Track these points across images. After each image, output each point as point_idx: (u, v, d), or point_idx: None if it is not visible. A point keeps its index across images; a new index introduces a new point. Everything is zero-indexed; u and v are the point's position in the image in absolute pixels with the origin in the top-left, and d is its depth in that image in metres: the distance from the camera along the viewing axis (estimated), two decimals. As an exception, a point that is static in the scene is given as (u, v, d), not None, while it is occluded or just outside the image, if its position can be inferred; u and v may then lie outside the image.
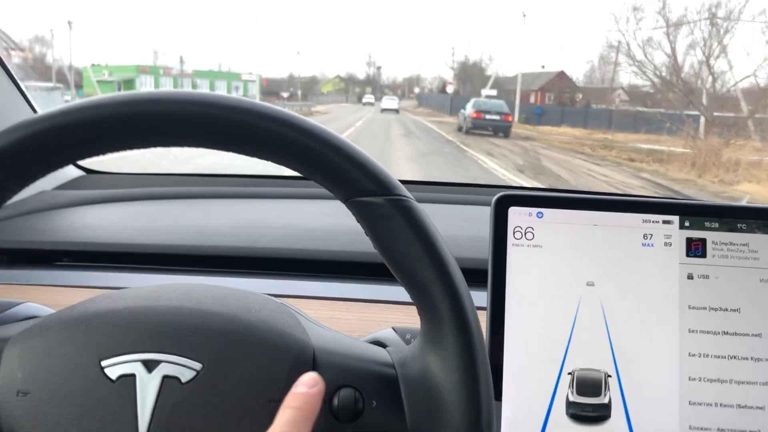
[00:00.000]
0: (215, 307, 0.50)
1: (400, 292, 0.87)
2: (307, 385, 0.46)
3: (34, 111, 1.11)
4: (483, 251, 0.65)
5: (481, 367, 0.46)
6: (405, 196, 0.47)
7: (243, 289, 0.55)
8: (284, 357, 0.48)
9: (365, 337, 0.66)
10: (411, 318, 0.80)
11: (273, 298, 0.55)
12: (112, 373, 0.46)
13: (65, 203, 1.10)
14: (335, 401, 0.48)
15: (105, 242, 0.95)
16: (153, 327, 0.48)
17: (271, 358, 0.47)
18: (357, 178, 0.46)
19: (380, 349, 0.51)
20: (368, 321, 0.79)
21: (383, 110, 40.70)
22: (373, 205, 0.46)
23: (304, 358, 0.48)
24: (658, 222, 0.64)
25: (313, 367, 0.48)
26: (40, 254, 0.93)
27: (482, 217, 0.80)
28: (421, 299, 0.47)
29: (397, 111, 40.73)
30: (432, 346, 0.47)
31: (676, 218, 0.64)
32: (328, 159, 0.46)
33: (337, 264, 0.92)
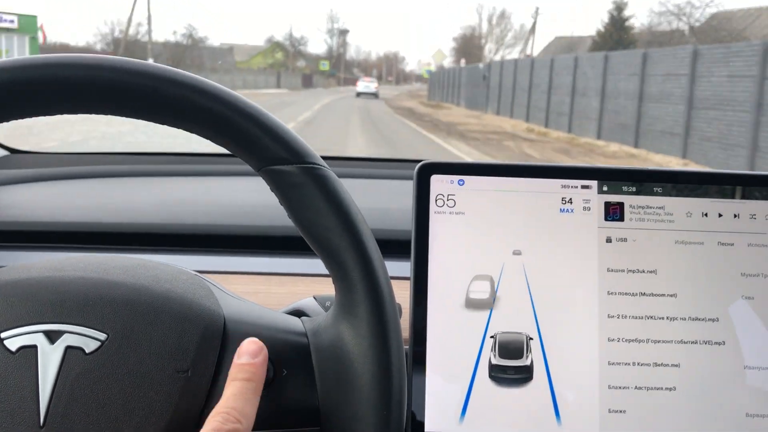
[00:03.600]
0: (122, 278, 0.49)
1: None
2: (251, 354, 0.45)
3: None
4: (409, 223, 0.66)
5: (392, 334, 0.46)
6: (318, 164, 0.46)
7: (155, 260, 0.54)
8: (193, 327, 0.47)
9: (286, 307, 0.66)
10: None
11: (187, 270, 0.54)
12: (12, 344, 0.45)
13: None
14: None
15: (25, 221, 0.93)
16: (56, 297, 0.46)
17: (179, 328, 0.47)
18: (269, 146, 0.46)
19: (293, 318, 0.51)
20: (297, 294, 0.78)
21: (359, 94, 33.90)
22: (286, 173, 0.46)
23: (214, 328, 0.47)
24: (576, 187, 0.65)
25: (223, 336, 0.47)
26: None
27: (408, 190, 0.81)
28: (334, 267, 0.47)
29: (376, 95, 33.42)
30: (344, 314, 0.47)
31: (594, 183, 0.66)
32: (240, 127, 0.45)
33: (265, 239, 0.92)
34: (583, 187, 0.66)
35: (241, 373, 0.45)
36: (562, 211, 0.65)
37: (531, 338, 0.63)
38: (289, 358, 0.48)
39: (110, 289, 0.47)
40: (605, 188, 0.66)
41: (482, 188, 0.65)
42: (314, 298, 0.64)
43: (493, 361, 0.63)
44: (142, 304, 0.47)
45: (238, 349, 0.46)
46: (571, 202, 0.65)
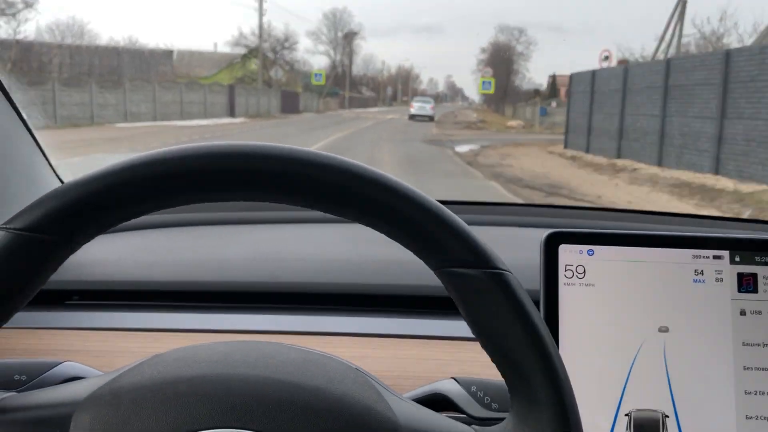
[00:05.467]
0: (296, 378, 0.47)
1: (430, 326, 0.84)
2: None
3: (34, 138, 1.03)
4: (529, 281, 0.64)
5: None
6: (504, 270, 0.45)
7: (319, 353, 0.52)
8: None
9: (423, 387, 0.63)
10: (446, 354, 0.78)
11: (349, 363, 0.52)
12: None
13: None
14: None
15: (117, 280, 0.91)
16: (238, 399, 0.44)
17: None
18: (453, 248, 0.44)
19: (467, 428, 0.48)
20: (405, 359, 0.76)
21: (413, 117, 27.78)
22: (469, 277, 0.44)
23: None
24: (708, 257, 0.63)
25: None
26: (48, 294, 0.89)
27: (524, 242, 0.78)
28: (516, 381, 0.45)
29: (431, 118, 27.57)
30: (528, 429, 0.45)
31: (726, 253, 0.64)
32: (422, 225, 0.43)
33: (363, 297, 0.90)
34: (715, 257, 0.63)
35: None
36: (694, 281, 0.63)
37: (667, 416, 0.61)
38: None
39: (288, 392, 0.45)
40: (737, 259, 0.64)
41: (612, 258, 0.63)
42: (455, 380, 0.62)
43: None
44: (323, 410, 0.45)
45: None
46: (702, 273, 0.63)
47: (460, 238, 0.44)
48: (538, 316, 0.44)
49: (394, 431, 0.45)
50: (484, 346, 0.45)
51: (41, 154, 1.01)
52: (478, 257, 0.44)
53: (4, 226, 0.42)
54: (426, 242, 0.44)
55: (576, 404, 0.45)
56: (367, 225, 0.44)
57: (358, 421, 0.45)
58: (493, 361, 0.45)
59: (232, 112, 24.69)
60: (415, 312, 0.87)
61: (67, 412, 0.44)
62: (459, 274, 0.44)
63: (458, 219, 0.44)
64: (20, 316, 0.85)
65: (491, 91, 27.03)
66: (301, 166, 0.42)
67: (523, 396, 0.44)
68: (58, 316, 0.86)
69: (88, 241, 0.44)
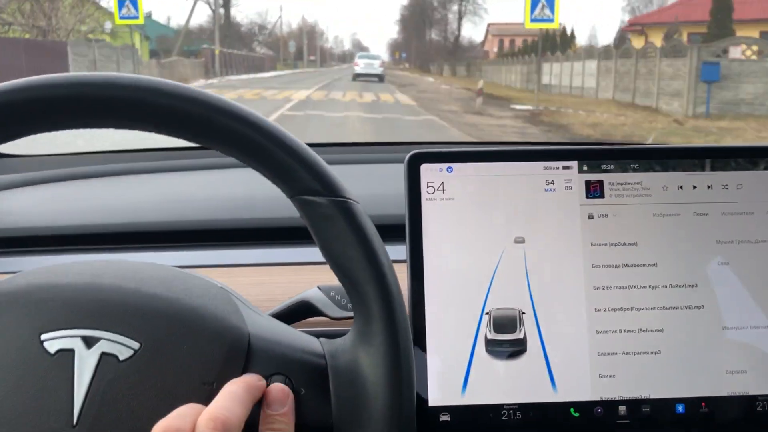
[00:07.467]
0: (157, 289, 0.52)
1: (298, 254, 0.91)
2: (281, 402, 0.48)
3: None
4: (400, 207, 0.69)
5: (404, 365, 0.50)
6: (348, 198, 0.50)
7: (187, 272, 0.57)
8: (221, 343, 0.50)
9: (291, 299, 0.69)
10: (313, 277, 0.84)
11: (217, 283, 0.57)
12: (51, 347, 0.47)
13: None
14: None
15: (38, 226, 0.96)
16: (94, 304, 0.49)
17: (207, 343, 0.50)
18: (303, 177, 0.49)
19: (312, 339, 0.54)
20: (299, 283, 0.82)
21: (357, 76, 25.29)
22: (317, 204, 0.49)
23: (240, 345, 0.50)
24: (558, 168, 0.69)
25: (248, 352, 0.50)
26: None
27: (397, 174, 0.84)
28: (355, 297, 0.50)
29: (381, 79, 25.07)
30: (362, 342, 0.50)
31: (574, 163, 0.69)
32: (277, 156, 0.48)
33: (262, 230, 0.95)
34: (564, 167, 0.69)
35: (274, 423, 0.48)
36: (545, 190, 0.69)
37: (524, 312, 0.67)
38: (308, 378, 0.51)
39: (146, 300, 0.50)
40: (585, 168, 0.69)
41: (470, 174, 0.69)
42: (318, 287, 0.68)
43: (489, 336, 0.67)
44: (176, 317, 0.50)
45: (266, 396, 0.49)
46: (553, 183, 0.69)
47: (310, 168, 0.49)
48: (378, 241, 0.50)
49: (243, 339, 0.50)
50: (332, 268, 0.50)
51: None
52: (326, 186, 0.49)
53: None
54: (280, 172, 0.49)
55: (406, 317, 0.50)
56: (228, 154, 0.49)
57: (209, 328, 0.50)
58: (340, 281, 0.51)
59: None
60: (310, 242, 0.93)
61: None
62: (309, 202, 0.49)
63: (311, 151, 0.49)
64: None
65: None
66: (162, 97, 0.46)
67: (361, 311, 0.50)
68: None
69: None
